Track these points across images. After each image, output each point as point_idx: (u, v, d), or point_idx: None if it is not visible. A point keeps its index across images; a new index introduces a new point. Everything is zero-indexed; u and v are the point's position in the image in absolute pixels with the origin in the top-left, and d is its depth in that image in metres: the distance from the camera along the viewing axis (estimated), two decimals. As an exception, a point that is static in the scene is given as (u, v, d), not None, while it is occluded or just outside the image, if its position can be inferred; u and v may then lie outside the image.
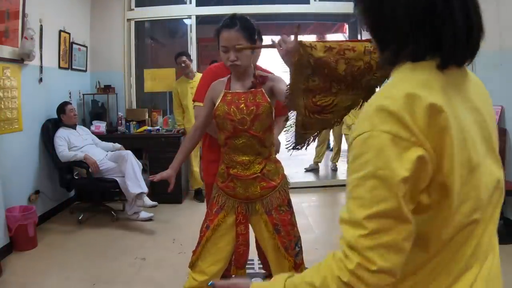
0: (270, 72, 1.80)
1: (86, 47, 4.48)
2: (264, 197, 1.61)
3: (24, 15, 3.17)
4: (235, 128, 1.52)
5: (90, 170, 3.42)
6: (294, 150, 1.46)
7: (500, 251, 2.80)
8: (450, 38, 0.64)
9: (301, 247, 1.69)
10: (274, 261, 1.67)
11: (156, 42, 6.18)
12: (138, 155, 3.85)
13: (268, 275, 2.40)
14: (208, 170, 2.06)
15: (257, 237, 1.73)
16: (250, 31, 1.56)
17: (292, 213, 1.69)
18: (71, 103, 3.76)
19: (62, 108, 3.62)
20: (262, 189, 1.59)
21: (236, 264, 1.74)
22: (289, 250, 1.63)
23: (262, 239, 1.69)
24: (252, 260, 2.62)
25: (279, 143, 2.04)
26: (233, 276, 1.77)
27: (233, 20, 1.54)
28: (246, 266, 1.81)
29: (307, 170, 5.56)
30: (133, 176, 3.45)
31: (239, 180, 1.58)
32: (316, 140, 6.06)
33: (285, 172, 1.74)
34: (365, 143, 0.62)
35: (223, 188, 1.64)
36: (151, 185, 4.01)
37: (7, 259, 2.77)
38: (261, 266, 2.50)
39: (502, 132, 3.26)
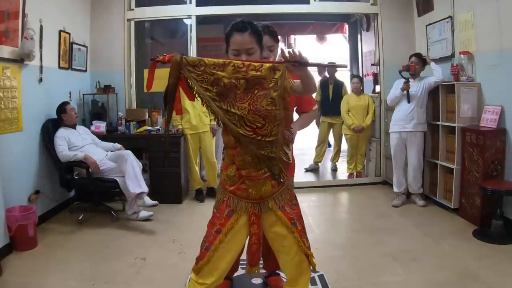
0: None
1: (86, 47, 4.48)
2: (276, 194, 1.63)
3: (24, 15, 3.17)
4: None
5: (90, 170, 3.42)
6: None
7: (500, 251, 2.83)
8: None
9: None
10: (291, 260, 1.67)
11: (156, 42, 6.18)
12: (138, 155, 3.85)
13: (268, 275, 2.40)
14: None
15: (268, 237, 1.72)
16: (260, 35, 1.60)
17: (299, 206, 1.74)
18: (70, 103, 3.76)
19: (62, 108, 3.61)
20: (273, 187, 1.62)
21: (250, 262, 1.74)
22: (306, 244, 1.67)
23: (276, 237, 1.68)
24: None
25: (293, 135, 2.06)
26: (246, 273, 1.80)
27: (244, 24, 1.56)
28: (246, 266, 1.80)
29: (307, 170, 5.56)
30: (133, 176, 3.45)
31: (251, 181, 1.58)
32: (316, 140, 6.11)
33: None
34: None
35: (234, 191, 1.62)
36: (151, 185, 4.02)
37: (7, 259, 2.77)
38: (261, 266, 2.49)
39: (502, 132, 3.26)
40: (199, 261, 1.62)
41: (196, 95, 1.46)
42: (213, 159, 4.33)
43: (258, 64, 1.43)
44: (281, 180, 1.56)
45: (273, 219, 1.65)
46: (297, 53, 1.40)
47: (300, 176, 5.31)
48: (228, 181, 1.64)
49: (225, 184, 1.66)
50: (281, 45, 8.49)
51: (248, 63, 1.43)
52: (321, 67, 5.30)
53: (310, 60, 1.43)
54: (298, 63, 1.40)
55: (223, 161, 1.73)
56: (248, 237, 1.68)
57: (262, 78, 1.43)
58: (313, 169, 5.62)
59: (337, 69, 5.62)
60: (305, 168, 5.58)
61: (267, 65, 1.43)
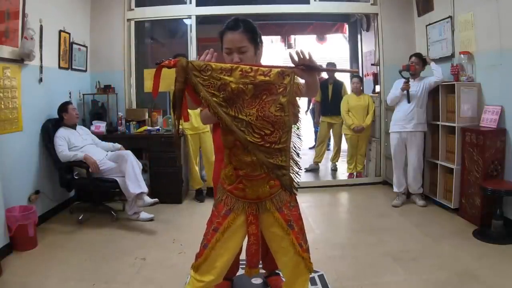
0: None
1: (86, 47, 4.48)
2: (274, 195, 1.63)
3: (24, 15, 3.17)
4: None
5: (90, 170, 3.42)
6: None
7: (500, 251, 2.84)
8: None
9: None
10: (288, 261, 1.67)
11: (156, 42, 6.18)
12: (138, 155, 3.85)
13: (268, 275, 2.40)
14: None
15: (266, 237, 1.72)
16: (253, 33, 1.58)
17: (299, 208, 1.72)
18: (72, 103, 3.76)
19: (64, 107, 3.62)
20: (271, 188, 1.61)
21: (249, 263, 1.74)
22: (303, 247, 1.65)
23: (273, 238, 1.68)
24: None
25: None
26: (244, 274, 1.79)
27: (236, 22, 1.56)
28: (245, 268, 1.80)
29: (307, 170, 5.56)
30: (133, 176, 3.45)
31: (248, 181, 1.58)
32: (316, 140, 6.10)
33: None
34: None
35: (232, 191, 1.62)
36: (151, 185, 4.02)
37: (7, 259, 2.77)
38: (262, 266, 2.49)
39: (502, 132, 3.26)
40: (198, 259, 1.63)
41: (203, 100, 1.42)
42: (213, 158, 4.31)
43: (267, 69, 1.40)
44: (294, 191, 1.51)
45: (271, 220, 1.64)
46: (307, 56, 1.36)
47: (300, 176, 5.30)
48: (226, 180, 1.64)
49: (224, 183, 1.66)
50: (281, 45, 8.42)
51: (257, 67, 1.40)
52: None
53: (320, 65, 1.39)
54: (308, 68, 1.37)
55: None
56: (247, 237, 1.68)
57: (271, 83, 1.40)
58: (313, 169, 5.62)
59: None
60: (305, 168, 5.58)
61: (276, 70, 1.40)
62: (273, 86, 1.41)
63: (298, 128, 1.52)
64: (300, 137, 1.55)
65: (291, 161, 1.47)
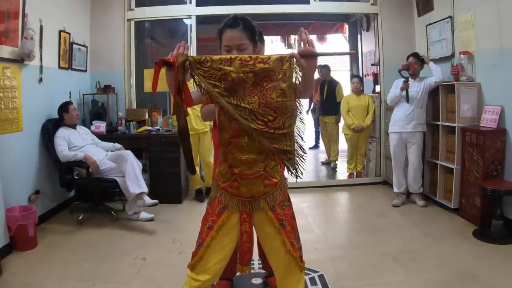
0: None
1: (86, 47, 4.48)
2: (268, 194, 1.62)
3: (24, 15, 3.18)
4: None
5: (90, 170, 3.42)
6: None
7: (500, 251, 2.83)
8: None
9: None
10: (280, 260, 1.67)
11: (156, 42, 6.18)
12: (138, 155, 3.85)
13: (268, 275, 2.40)
14: None
15: (259, 236, 1.72)
16: (252, 31, 1.58)
17: (292, 207, 1.72)
18: (73, 103, 3.77)
19: (65, 107, 3.62)
20: (265, 187, 1.61)
21: (241, 261, 1.74)
22: (294, 246, 1.65)
23: (265, 237, 1.68)
24: (253, 260, 2.61)
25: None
26: (238, 273, 1.77)
27: (235, 20, 1.55)
28: (237, 265, 1.80)
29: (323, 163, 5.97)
30: (133, 176, 3.45)
31: (243, 179, 1.58)
32: (317, 139, 6.29)
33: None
34: None
35: (226, 188, 1.63)
36: (151, 185, 4.03)
37: (7, 259, 2.77)
38: (261, 266, 2.49)
39: (502, 132, 3.26)
40: (193, 257, 1.63)
41: (205, 92, 1.43)
42: (209, 159, 4.30)
43: (266, 56, 1.42)
44: (298, 175, 1.51)
45: (263, 219, 1.64)
46: (308, 40, 1.36)
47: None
48: (221, 178, 1.64)
49: (218, 180, 1.66)
50: (281, 45, 8.46)
51: (256, 56, 1.42)
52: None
53: (318, 51, 1.39)
54: (307, 54, 1.37)
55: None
56: (240, 235, 1.67)
57: (270, 70, 1.41)
58: (333, 167, 5.81)
59: (333, 67, 5.71)
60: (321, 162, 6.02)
61: (275, 56, 1.42)
62: (273, 73, 1.42)
63: (300, 112, 1.51)
64: (303, 121, 1.54)
65: (296, 145, 1.49)
